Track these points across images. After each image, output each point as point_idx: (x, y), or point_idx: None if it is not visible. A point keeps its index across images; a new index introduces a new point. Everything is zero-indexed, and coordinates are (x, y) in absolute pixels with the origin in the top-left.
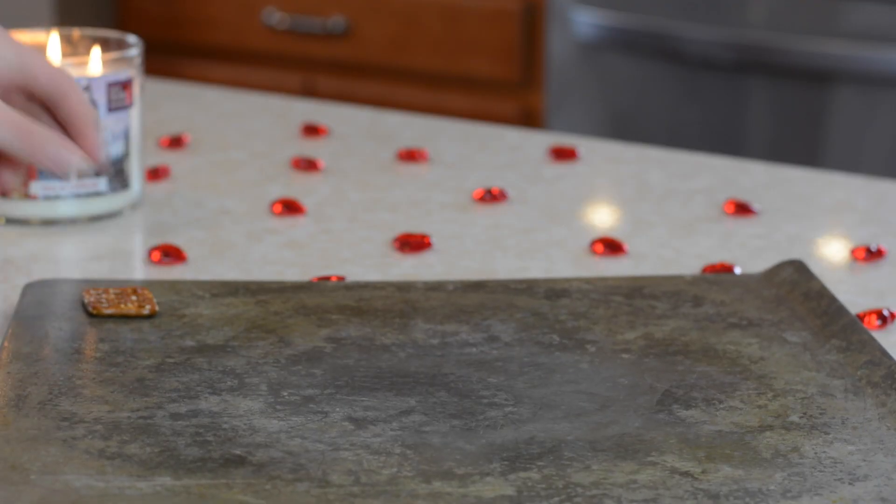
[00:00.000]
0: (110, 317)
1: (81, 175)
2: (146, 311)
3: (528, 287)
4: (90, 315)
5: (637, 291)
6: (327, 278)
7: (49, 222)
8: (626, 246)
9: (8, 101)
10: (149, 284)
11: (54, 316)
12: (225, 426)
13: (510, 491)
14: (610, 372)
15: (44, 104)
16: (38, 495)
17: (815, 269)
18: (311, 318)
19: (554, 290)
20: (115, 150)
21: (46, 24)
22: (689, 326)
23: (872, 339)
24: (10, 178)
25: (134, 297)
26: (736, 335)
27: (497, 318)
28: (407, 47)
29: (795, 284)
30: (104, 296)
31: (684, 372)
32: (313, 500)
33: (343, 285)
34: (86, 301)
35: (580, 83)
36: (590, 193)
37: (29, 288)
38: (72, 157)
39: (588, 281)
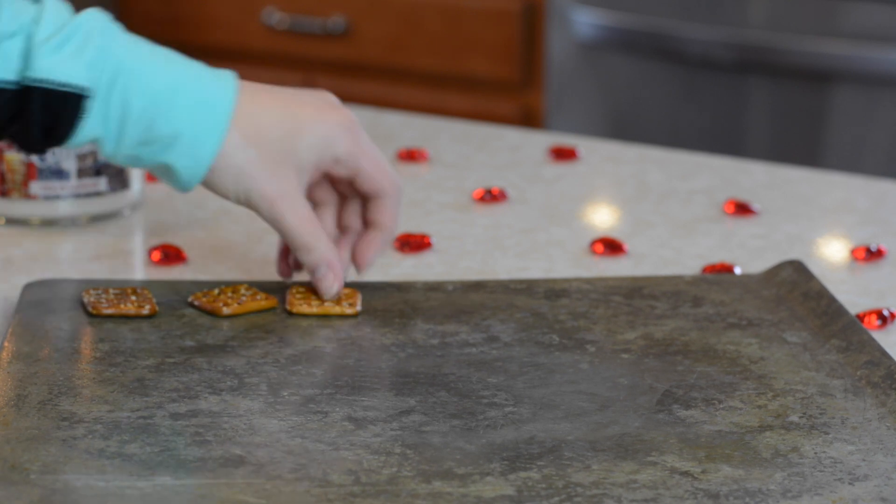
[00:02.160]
0: (110, 317)
1: (331, 296)
2: (146, 311)
3: (527, 287)
4: (90, 315)
5: (636, 291)
6: None
7: (49, 222)
8: (626, 246)
9: (313, 187)
10: (148, 284)
11: (54, 316)
12: (225, 426)
13: (510, 491)
14: (610, 372)
15: (350, 189)
16: (39, 495)
17: (815, 269)
18: (311, 318)
19: (554, 290)
20: None
21: None
22: (688, 326)
23: (872, 340)
24: (285, 268)
25: (134, 297)
26: (735, 335)
27: (497, 318)
28: (407, 47)
29: (795, 285)
30: (104, 296)
31: (684, 372)
32: (313, 499)
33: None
34: (85, 301)
35: (580, 83)
36: (590, 193)
37: (28, 288)
38: (335, 285)
39: (588, 281)
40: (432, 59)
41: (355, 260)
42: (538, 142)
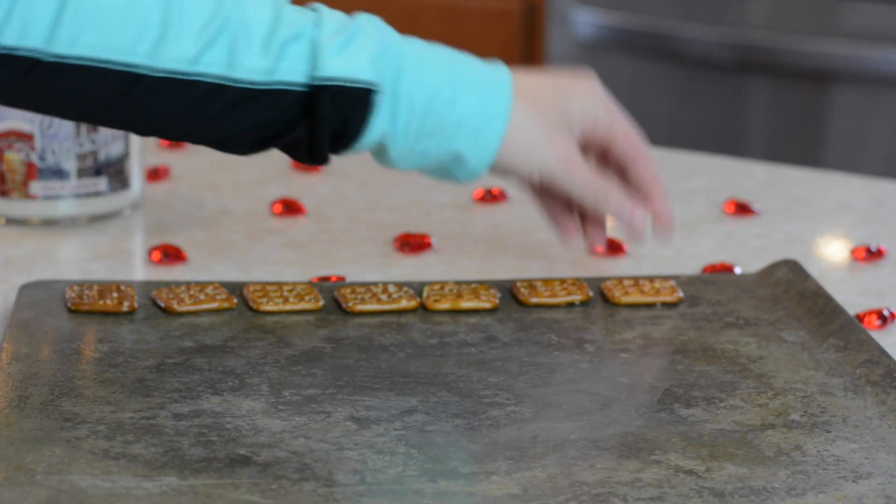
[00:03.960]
0: (88, 312)
1: (644, 237)
2: (125, 307)
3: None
4: (69, 311)
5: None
6: (327, 278)
7: (49, 222)
8: (626, 246)
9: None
10: (148, 284)
11: (51, 316)
12: (228, 426)
13: (516, 489)
14: (609, 371)
15: (616, 165)
16: (45, 496)
17: (815, 269)
18: (309, 318)
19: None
20: (116, 150)
21: None
22: (686, 326)
23: (870, 338)
24: (597, 235)
25: (115, 294)
26: (733, 334)
27: (495, 318)
28: None
29: (791, 284)
30: (87, 292)
31: (684, 371)
32: (320, 499)
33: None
34: (67, 297)
35: None
36: None
37: (25, 289)
38: (643, 216)
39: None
40: None
41: (656, 215)
42: None
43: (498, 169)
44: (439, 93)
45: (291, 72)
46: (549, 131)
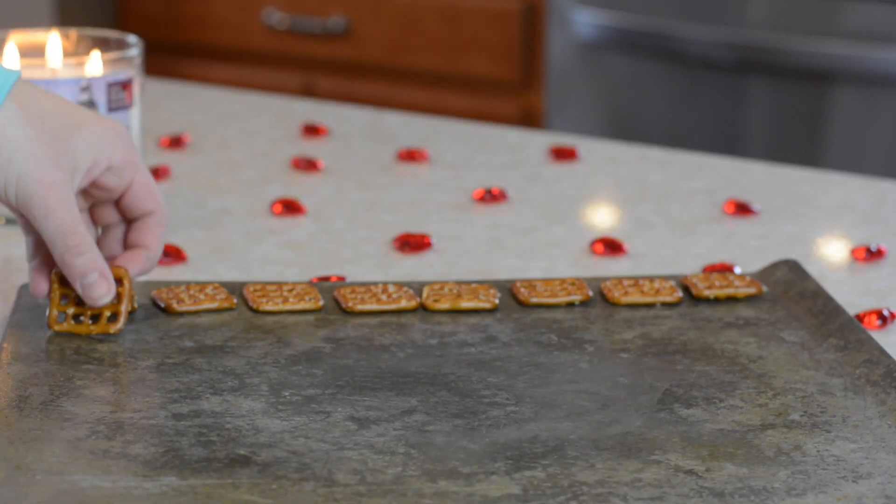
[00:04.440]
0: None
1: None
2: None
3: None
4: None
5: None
6: (327, 278)
7: None
8: (626, 246)
9: (86, 194)
10: (148, 284)
11: None
12: (228, 426)
13: (516, 490)
14: (609, 371)
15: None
16: (46, 495)
17: (815, 269)
18: (309, 318)
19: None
20: None
21: (46, 24)
22: (686, 326)
23: (870, 338)
24: (40, 282)
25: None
26: (733, 334)
27: (494, 318)
28: (407, 47)
29: (790, 284)
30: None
31: (683, 371)
32: (320, 499)
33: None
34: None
35: (580, 83)
36: (590, 193)
37: (25, 289)
38: (107, 295)
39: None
40: (432, 59)
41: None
42: (538, 142)
43: None
44: None
45: None
46: (41, 150)
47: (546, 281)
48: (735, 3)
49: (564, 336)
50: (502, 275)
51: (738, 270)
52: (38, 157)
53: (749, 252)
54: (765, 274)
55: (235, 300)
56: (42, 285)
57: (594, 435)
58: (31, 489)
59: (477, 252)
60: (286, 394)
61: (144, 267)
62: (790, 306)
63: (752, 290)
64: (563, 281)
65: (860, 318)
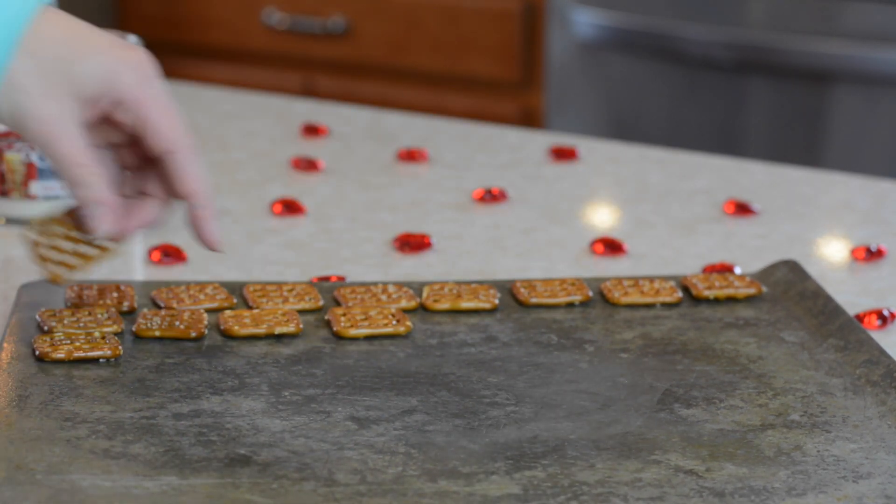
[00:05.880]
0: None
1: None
2: (125, 307)
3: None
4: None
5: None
6: (327, 278)
7: None
8: (626, 246)
9: (95, 129)
10: (148, 284)
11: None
12: (228, 426)
13: (516, 489)
14: (609, 371)
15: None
16: (46, 495)
17: (815, 269)
18: (309, 318)
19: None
20: None
21: None
22: (685, 326)
23: (870, 338)
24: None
25: (115, 294)
26: (733, 335)
27: (494, 318)
28: (407, 47)
29: (790, 284)
30: (87, 292)
31: (683, 371)
32: (320, 498)
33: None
34: (66, 297)
35: (580, 83)
36: (590, 193)
37: (25, 288)
38: (107, 226)
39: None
40: (432, 59)
41: (202, 235)
42: (538, 142)
43: None
44: None
45: None
46: (36, 83)
47: (546, 281)
48: (735, 3)
49: (564, 336)
50: (502, 275)
51: (738, 270)
52: (35, 91)
53: (749, 252)
54: (765, 274)
55: (235, 300)
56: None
57: (594, 435)
58: (31, 489)
59: (477, 252)
60: (286, 394)
61: (205, 216)
62: (790, 307)
63: (751, 291)
64: (562, 281)
65: (860, 318)
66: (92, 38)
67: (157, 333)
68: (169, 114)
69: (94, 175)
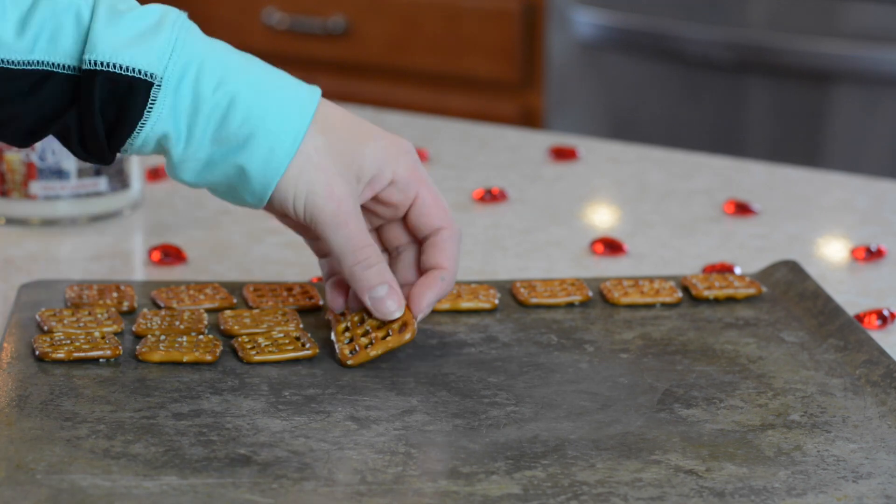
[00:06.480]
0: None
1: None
2: (125, 307)
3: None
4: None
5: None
6: None
7: (49, 222)
8: (626, 246)
9: (372, 213)
10: (148, 284)
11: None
12: (228, 426)
13: (517, 489)
14: (609, 371)
15: (414, 239)
16: (46, 495)
17: (815, 269)
18: (308, 318)
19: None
20: None
21: None
22: (685, 326)
23: (870, 339)
24: (336, 299)
25: (115, 294)
26: (733, 335)
27: (494, 318)
28: (407, 47)
29: (790, 285)
30: (87, 292)
31: (683, 371)
32: (321, 498)
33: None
34: (66, 297)
35: (580, 83)
36: (590, 193)
37: (25, 288)
38: (397, 309)
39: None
40: (432, 59)
41: (411, 302)
42: (538, 142)
43: (271, 202)
44: (235, 100)
45: (54, 52)
46: (330, 163)
47: (546, 281)
48: (735, 3)
49: (564, 336)
50: (502, 275)
51: (738, 271)
52: (328, 170)
53: (749, 252)
54: (764, 274)
55: (235, 300)
56: (338, 300)
57: (594, 435)
58: (31, 488)
59: (477, 252)
60: (286, 393)
61: (441, 289)
62: (790, 307)
63: (751, 291)
64: (562, 281)
65: (860, 318)
66: (366, 125)
67: (157, 333)
68: (439, 195)
69: (378, 257)
